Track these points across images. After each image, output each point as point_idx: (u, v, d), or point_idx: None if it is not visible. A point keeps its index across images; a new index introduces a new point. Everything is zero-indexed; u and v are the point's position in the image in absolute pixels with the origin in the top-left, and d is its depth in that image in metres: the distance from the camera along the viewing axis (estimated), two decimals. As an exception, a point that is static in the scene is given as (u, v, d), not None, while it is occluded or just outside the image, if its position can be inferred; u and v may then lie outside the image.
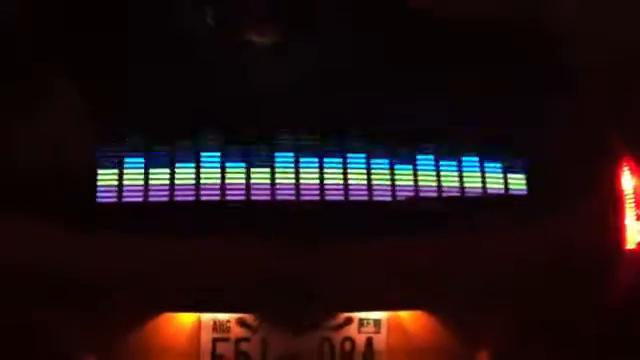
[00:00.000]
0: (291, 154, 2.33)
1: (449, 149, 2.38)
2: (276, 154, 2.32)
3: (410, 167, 2.37)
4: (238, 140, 2.32)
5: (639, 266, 2.51)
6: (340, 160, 2.35)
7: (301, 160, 2.33)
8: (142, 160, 2.29)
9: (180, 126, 2.32)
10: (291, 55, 2.39)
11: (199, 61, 2.35)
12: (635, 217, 2.53)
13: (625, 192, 2.54)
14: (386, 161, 2.36)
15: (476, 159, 2.40)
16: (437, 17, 2.43)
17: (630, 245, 2.50)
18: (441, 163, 2.39)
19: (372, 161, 2.36)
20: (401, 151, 2.36)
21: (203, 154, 2.31)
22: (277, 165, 2.32)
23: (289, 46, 2.39)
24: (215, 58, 2.37)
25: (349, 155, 2.35)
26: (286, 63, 2.39)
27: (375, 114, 2.37)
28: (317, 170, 2.33)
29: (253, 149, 2.32)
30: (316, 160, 2.34)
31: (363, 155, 2.36)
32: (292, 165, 2.32)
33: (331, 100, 2.35)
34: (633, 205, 2.54)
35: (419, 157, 2.38)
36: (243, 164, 2.31)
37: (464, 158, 2.40)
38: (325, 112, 2.35)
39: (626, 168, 2.57)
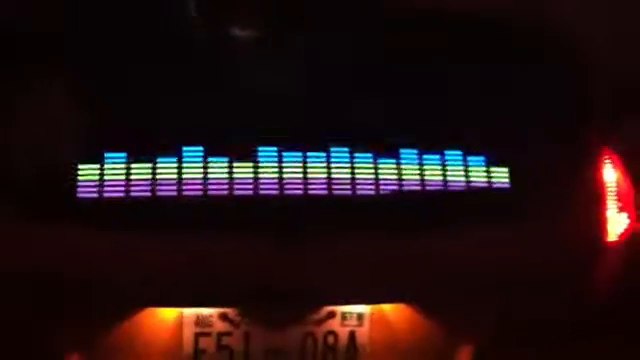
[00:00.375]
0: (274, 149, 2.31)
1: (432, 143, 2.37)
2: (259, 149, 2.30)
3: (393, 161, 2.36)
4: (221, 135, 2.30)
5: (621, 258, 2.52)
6: (323, 154, 2.33)
7: (284, 155, 2.32)
8: (123, 155, 2.26)
9: (162, 121, 2.30)
10: (275, 50, 2.36)
11: (182, 55, 2.32)
12: (617, 209, 2.54)
13: (607, 184, 2.54)
14: (369, 155, 2.35)
15: (459, 153, 2.39)
16: (424, 13, 2.41)
17: (612, 237, 2.51)
18: (424, 157, 2.38)
19: (355, 155, 2.35)
20: (384, 145, 2.35)
21: (185, 149, 2.28)
22: (260, 160, 2.30)
23: (273, 40, 2.36)
24: (198, 52, 2.34)
25: (332, 149, 2.33)
26: (271, 58, 2.37)
27: (358, 109, 2.35)
28: (300, 165, 2.32)
29: (236, 144, 2.30)
30: (299, 155, 2.33)
31: (346, 149, 2.34)
32: (275, 160, 2.31)
33: (315, 95, 2.33)
34: (615, 197, 2.55)
35: (402, 151, 2.37)
36: (226, 159, 2.29)
37: (447, 152, 2.39)
38: (308, 107, 2.33)
39: (607, 160, 2.57)
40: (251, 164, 2.30)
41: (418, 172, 2.37)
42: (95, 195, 2.25)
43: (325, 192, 2.32)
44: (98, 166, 2.25)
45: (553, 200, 2.44)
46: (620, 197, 2.55)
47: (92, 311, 2.27)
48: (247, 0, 2.39)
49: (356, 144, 2.34)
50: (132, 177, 2.26)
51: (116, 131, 2.28)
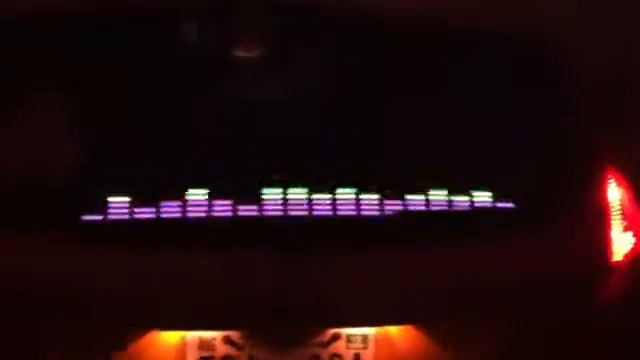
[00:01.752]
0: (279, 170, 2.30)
1: (438, 167, 2.37)
2: (262, 170, 2.29)
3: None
4: (225, 155, 2.28)
5: (626, 278, 2.51)
6: (328, 174, 2.32)
7: (288, 176, 2.30)
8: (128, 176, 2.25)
9: (167, 140, 2.29)
10: (275, 73, 2.36)
11: (186, 79, 2.32)
12: (622, 229, 2.53)
13: (611, 203, 2.53)
14: (372, 176, 2.34)
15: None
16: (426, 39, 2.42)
17: (617, 257, 2.49)
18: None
19: (360, 174, 2.34)
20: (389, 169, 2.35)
21: (190, 169, 2.27)
22: (264, 180, 2.29)
23: (275, 63, 2.36)
24: (200, 76, 2.33)
25: (337, 170, 2.32)
26: (270, 81, 2.36)
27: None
28: (304, 185, 2.30)
29: (239, 163, 2.28)
30: (304, 172, 2.31)
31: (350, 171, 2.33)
32: (280, 180, 2.29)
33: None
34: (619, 216, 2.53)
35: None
36: (230, 179, 2.28)
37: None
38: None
39: (612, 179, 2.56)
40: (256, 184, 2.29)
41: (422, 191, 2.36)
42: (99, 217, 2.23)
43: (330, 213, 2.31)
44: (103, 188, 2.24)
45: (557, 220, 2.43)
46: (625, 216, 2.54)
47: (95, 335, 2.24)
48: (251, 28, 2.39)
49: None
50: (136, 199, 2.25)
51: (121, 154, 2.26)
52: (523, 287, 2.37)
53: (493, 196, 2.40)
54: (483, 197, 2.39)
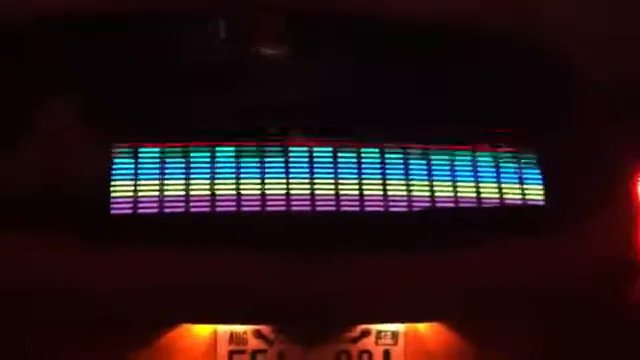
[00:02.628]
0: (306, 165, 2.31)
1: (467, 160, 2.37)
2: (291, 167, 2.31)
3: (426, 178, 2.36)
4: (253, 152, 2.31)
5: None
6: (355, 172, 2.34)
7: (316, 172, 2.32)
8: (157, 171, 2.27)
9: (195, 137, 2.31)
10: (300, 68, 2.39)
11: (213, 72, 2.34)
12: (652, 227, 2.52)
13: (640, 202, 2.53)
14: (401, 172, 2.35)
15: (494, 171, 2.39)
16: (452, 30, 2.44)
17: (647, 256, 2.48)
18: (458, 174, 2.38)
19: (387, 172, 2.35)
20: (417, 163, 2.35)
21: (218, 166, 2.29)
22: (292, 177, 2.30)
23: (299, 59, 2.38)
24: (228, 70, 2.36)
25: (364, 167, 2.34)
26: (297, 76, 2.39)
27: (388, 125, 2.36)
28: (332, 182, 2.32)
29: (268, 161, 2.30)
30: (331, 171, 2.33)
31: (378, 167, 2.34)
32: (307, 176, 2.31)
33: (344, 112, 2.34)
34: (650, 216, 2.53)
35: (435, 168, 2.37)
36: (258, 176, 2.30)
37: (481, 169, 2.39)
38: (339, 123, 2.35)
39: (642, 178, 2.56)
40: (284, 181, 2.30)
41: (451, 189, 2.37)
42: (129, 211, 2.25)
43: (358, 209, 2.32)
44: (132, 182, 2.26)
45: (587, 218, 2.42)
46: (655, 215, 2.53)
47: (126, 328, 2.26)
48: (275, 19, 2.41)
49: (388, 161, 2.34)
50: (166, 193, 2.27)
51: (150, 147, 2.29)
52: (551, 285, 2.36)
53: (523, 194, 2.40)
54: (514, 194, 2.39)
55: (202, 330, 2.29)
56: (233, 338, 2.29)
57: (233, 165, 2.31)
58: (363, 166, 2.35)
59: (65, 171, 2.28)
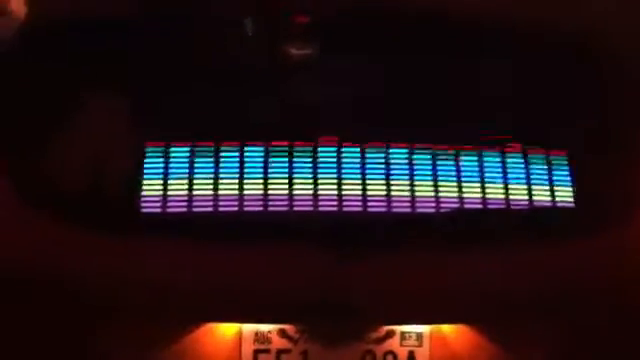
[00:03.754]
0: (334, 166, 2.31)
1: (495, 162, 2.35)
2: (319, 166, 2.30)
3: (454, 179, 2.34)
4: (282, 153, 2.31)
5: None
6: (383, 171, 2.33)
7: (343, 172, 2.31)
8: (186, 171, 2.28)
9: (224, 137, 2.31)
10: (327, 69, 2.38)
11: (240, 74, 2.35)
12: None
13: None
14: (429, 173, 2.34)
15: (524, 172, 2.36)
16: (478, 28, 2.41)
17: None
18: (486, 175, 2.36)
19: (415, 172, 2.34)
20: (446, 164, 2.34)
21: (247, 165, 2.30)
22: (320, 176, 2.30)
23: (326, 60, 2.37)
24: (255, 70, 2.36)
25: (392, 167, 2.33)
26: (322, 77, 2.38)
27: (417, 125, 2.35)
28: (360, 182, 2.31)
29: (297, 161, 2.30)
30: (359, 171, 2.32)
31: (406, 167, 2.33)
32: (335, 176, 2.30)
33: (371, 112, 2.33)
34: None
35: (463, 170, 2.35)
36: (286, 175, 2.30)
37: (511, 171, 2.36)
38: (366, 123, 2.34)
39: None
40: (311, 181, 2.30)
41: (480, 190, 2.35)
42: (158, 210, 2.27)
43: (385, 210, 2.31)
44: (162, 181, 2.28)
45: (615, 221, 2.39)
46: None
47: (152, 325, 2.28)
48: (303, 21, 2.40)
49: (416, 161, 2.33)
50: (195, 192, 2.28)
51: (179, 147, 2.30)
52: (579, 289, 2.34)
53: (553, 195, 2.38)
54: (543, 196, 2.37)
55: (227, 329, 2.31)
56: (258, 337, 2.31)
57: (261, 164, 2.31)
58: (391, 167, 2.34)
59: (98, 169, 2.30)
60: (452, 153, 2.37)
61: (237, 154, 2.32)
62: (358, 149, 2.34)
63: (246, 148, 2.32)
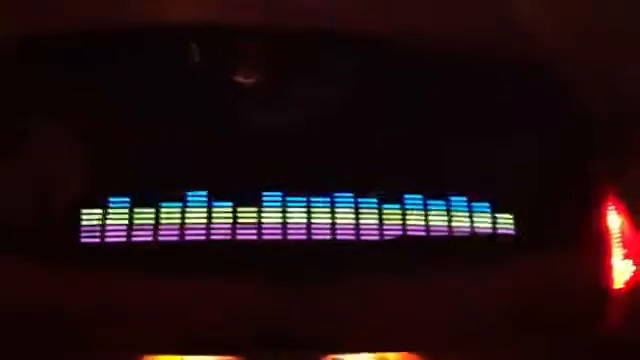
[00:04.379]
0: (278, 194, 2.29)
1: (437, 189, 2.36)
2: (263, 194, 2.28)
3: (398, 206, 2.34)
4: (224, 180, 2.28)
5: (627, 306, 2.49)
6: (327, 200, 2.32)
7: (287, 200, 2.30)
8: (127, 200, 2.24)
9: (166, 166, 2.28)
10: (277, 96, 2.37)
11: (185, 100, 2.32)
12: (622, 256, 2.52)
13: (611, 231, 2.52)
14: (374, 200, 2.34)
15: (464, 199, 2.38)
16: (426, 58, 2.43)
17: (618, 285, 2.48)
18: (429, 202, 2.36)
19: (359, 200, 2.33)
20: (389, 191, 2.34)
21: (189, 194, 2.26)
22: (264, 205, 2.28)
23: (275, 87, 2.36)
24: (200, 97, 2.34)
25: (336, 194, 2.32)
26: (272, 103, 2.37)
27: (363, 155, 2.34)
28: (304, 209, 2.30)
29: (240, 189, 2.28)
30: (303, 199, 2.31)
31: (351, 194, 2.32)
32: (279, 205, 2.29)
33: (319, 139, 2.33)
34: (619, 244, 2.53)
35: (407, 197, 2.35)
36: (229, 203, 2.27)
37: (452, 198, 2.37)
38: (312, 152, 2.32)
39: (612, 207, 2.56)
40: (255, 209, 2.28)
41: (423, 217, 2.35)
42: (98, 240, 2.22)
43: (329, 237, 2.30)
44: (101, 211, 2.23)
45: (558, 247, 2.42)
46: (625, 244, 2.53)
47: (91, 358, 2.22)
48: (250, 48, 2.39)
49: (361, 190, 2.32)
50: (135, 222, 2.23)
51: (120, 176, 2.26)
52: (522, 314, 2.35)
53: (494, 223, 2.39)
54: (484, 223, 2.38)
55: (168, 361, 2.27)
56: (200, 369, 2.27)
57: (204, 193, 2.29)
58: (335, 195, 2.33)
59: (37, 200, 2.25)
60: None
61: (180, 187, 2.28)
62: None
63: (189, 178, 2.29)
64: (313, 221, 2.30)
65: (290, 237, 2.28)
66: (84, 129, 2.30)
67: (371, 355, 2.32)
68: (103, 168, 2.28)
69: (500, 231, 2.39)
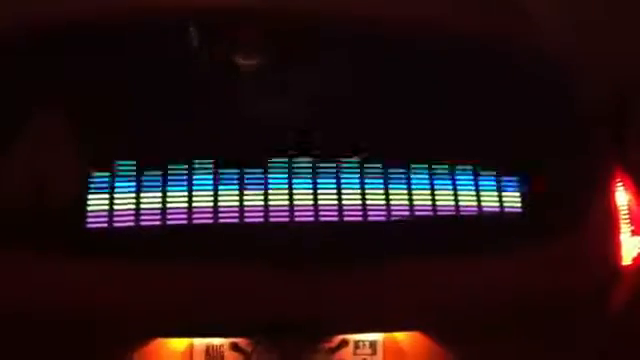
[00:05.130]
0: (284, 176, 2.28)
1: (444, 168, 2.35)
2: (270, 177, 2.28)
3: (404, 186, 2.33)
4: (230, 163, 2.27)
5: (635, 282, 2.49)
6: (334, 181, 2.31)
7: (293, 182, 2.29)
8: (133, 184, 2.24)
9: (171, 149, 2.27)
10: (280, 78, 2.35)
11: (187, 84, 2.31)
12: (630, 233, 2.51)
13: (619, 207, 2.52)
14: (380, 180, 2.33)
15: (471, 178, 2.36)
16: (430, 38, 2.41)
17: (626, 261, 2.48)
18: (436, 182, 2.35)
19: (365, 181, 2.32)
20: (395, 171, 2.33)
21: (195, 177, 2.26)
22: (270, 187, 2.28)
23: (277, 69, 2.35)
24: (202, 81, 2.33)
25: (342, 177, 2.31)
26: (275, 86, 2.35)
27: (368, 133, 2.33)
28: (310, 191, 2.29)
29: (245, 171, 2.27)
30: (309, 181, 2.30)
31: (357, 176, 2.32)
32: (285, 187, 2.28)
33: (322, 122, 2.32)
34: (627, 221, 2.52)
35: (412, 176, 2.34)
36: (236, 187, 2.27)
37: (459, 177, 2.36)
38: (317, 134, 2.32)
39: (620, 183, 2.55)
40: (261, 192, 2.28)
41: (430, 197, 2.34)
42: (105, 225, 2.22)
43: (336, 219, 2.29)
44: (107, 195, 2.23)
45: (566, 225, 2.41)
46: (633, 220, 2.53)
47: (100, 343, 2.23)
48: (249, 30, 2.38)
49: (366, 171, 2.32)
50: (141, 206, 2.23)
51: (125, 160, 2.25)
52: (533, 295, 2.35)
53: (501, 202, 2.38)
54: (491, 202, 2.37)
55: (178, 344, 2.27)
56: (209, 351, 2.27)
57: (210, 177, 2.28)
58: (341, 177, 2.32)
59: (43, 184, 2.25)
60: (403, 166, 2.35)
61: (185, 167, 2.28)
62: (310, 163, 2.31)
63: (195, 162, 2.28)
64: (320, 203, 2.29)
65: (297, 219, 2.27)
66: (87, 114, 2.29)
67: (380, 335, 2.32)
68: (107, 153, 2.26)
69: (507, 210, 2.38)
